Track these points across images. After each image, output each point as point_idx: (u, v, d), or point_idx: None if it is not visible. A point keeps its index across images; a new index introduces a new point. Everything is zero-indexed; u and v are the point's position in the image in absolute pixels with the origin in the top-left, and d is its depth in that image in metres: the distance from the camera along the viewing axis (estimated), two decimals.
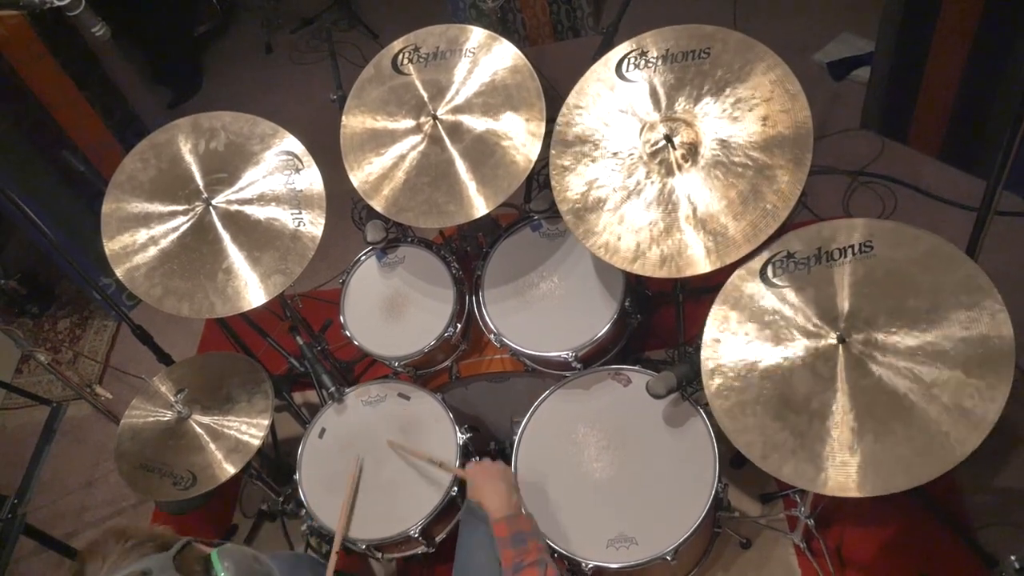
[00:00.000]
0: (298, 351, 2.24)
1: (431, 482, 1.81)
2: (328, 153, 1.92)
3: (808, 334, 1.43)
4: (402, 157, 1.84)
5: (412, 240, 2.14)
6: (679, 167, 1.57)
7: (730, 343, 1.48)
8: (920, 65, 2.55)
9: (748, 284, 1.50)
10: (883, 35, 2.63)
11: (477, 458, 1.73)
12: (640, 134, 1.62)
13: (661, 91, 1.62)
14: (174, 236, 1.83)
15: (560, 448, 1.80)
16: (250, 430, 1.91)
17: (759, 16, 3.18)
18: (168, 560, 0.92)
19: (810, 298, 1.45)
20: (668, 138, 1.58)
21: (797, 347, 1.43)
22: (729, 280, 1.53)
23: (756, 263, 1.50)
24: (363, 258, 2.14)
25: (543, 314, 1.92)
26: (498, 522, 1.43)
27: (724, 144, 1.55)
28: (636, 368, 1.86)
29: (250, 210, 1.83)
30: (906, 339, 1.36)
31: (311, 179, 1.84)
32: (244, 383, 1.99)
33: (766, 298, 1.48)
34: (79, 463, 2.79)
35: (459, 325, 1.98)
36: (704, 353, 1.49)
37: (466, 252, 2.21)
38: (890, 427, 1.32)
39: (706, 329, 1.50)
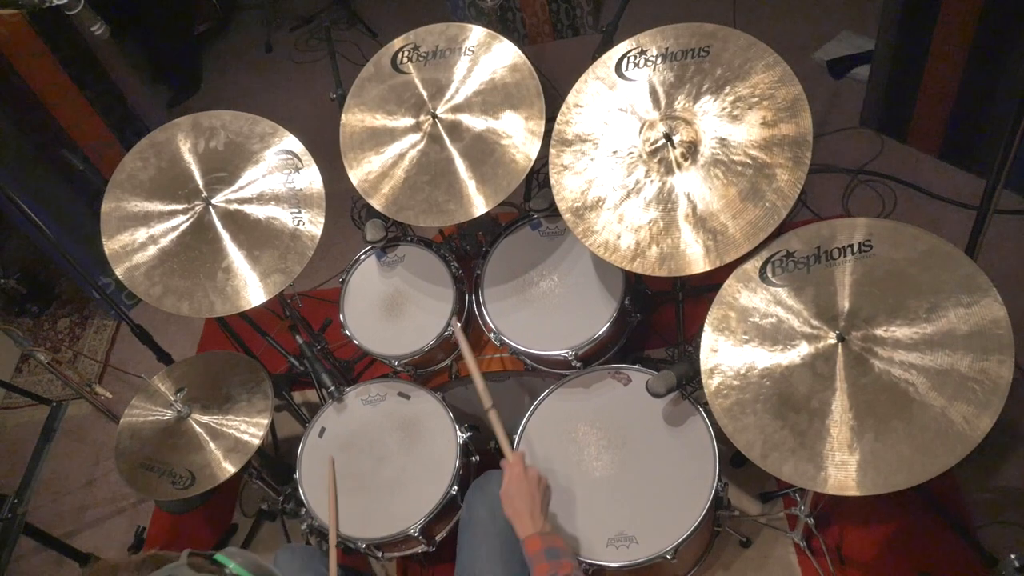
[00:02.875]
0: (298, 350, 2.24)
1: (431, 481, 1.81)
2: (328, 152, 1.92)
3: (807, 333, 1.43)
4: (401, 156, 1.84)
5: (412, 239, 2.14)
6: (678, 166, 1.57)
7: (730, 342, 1.48)
8: (920, 64, 2.55)
9: (747, 283, 1.50)
10: (883, 33, 2.63)
11: (526, 457, 1.56)
12: (640, 133, 1.62)
13: (661, 90, 1.62)
14: (174, 235, 1.83)
15: (560, 447, 1.80)
16: (249, 429, 1.90)
17: (759, 14, 3.19)
18: (183, 564, 0.95)
19: (809, 297, 1.45)
20: (668, 137, 1.58)
21: (797, 346, 1.43)
22: (728, 279, 1.53)
23: (755, 262, 1.50)
24: (363, 257, 2.14)
25: (543, 313, 1.92)
26: (532, 537, 1.38)
27: (723, 143, 1.54)
28: (636, 367, 1.86)
29: (249, 209, 1.83)
30: (906, 338, 1.36)
31: (310, 178, 1.84)
32: (244, 382, 1.99)
33: (765, 297, 1.48)
34: (79, 462, 2.79)
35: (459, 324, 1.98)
36: (703, 352, 1.49)
37: (466, 251, 2.20)
38: (890, 426, 1.32)
39: (705, 329, 1.50)
